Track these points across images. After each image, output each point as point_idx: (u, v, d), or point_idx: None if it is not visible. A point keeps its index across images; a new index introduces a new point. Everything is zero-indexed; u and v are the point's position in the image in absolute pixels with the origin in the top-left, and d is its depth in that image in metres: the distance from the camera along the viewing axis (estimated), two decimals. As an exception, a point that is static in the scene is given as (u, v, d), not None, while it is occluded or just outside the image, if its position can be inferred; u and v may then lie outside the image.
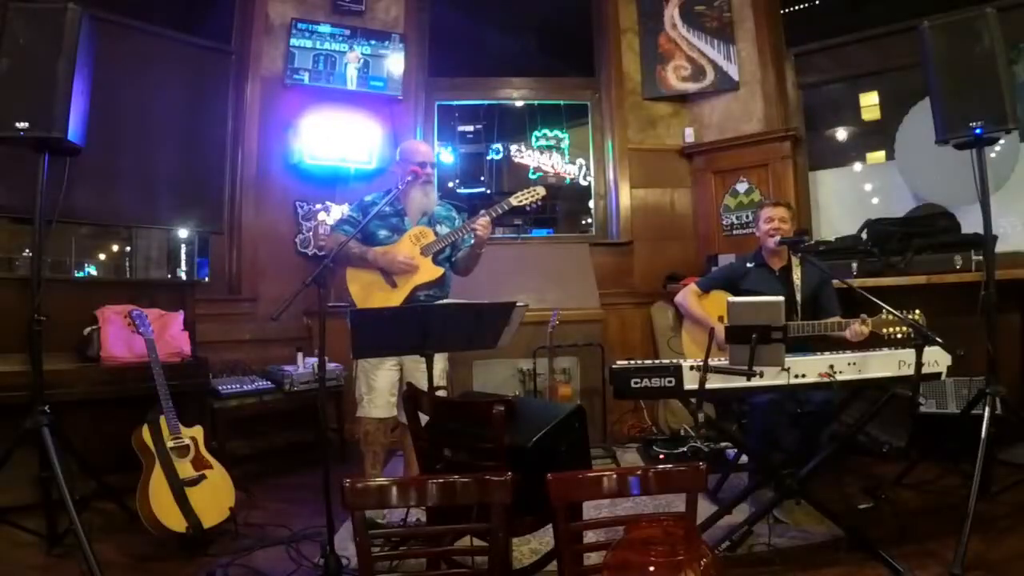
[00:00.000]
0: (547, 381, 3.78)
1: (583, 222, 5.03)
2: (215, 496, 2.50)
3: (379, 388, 2.64)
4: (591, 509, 1.91)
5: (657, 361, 2.27)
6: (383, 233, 2.71)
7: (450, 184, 5.01)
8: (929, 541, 2.29)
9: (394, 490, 1.21)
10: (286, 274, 4.23)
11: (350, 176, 4.46)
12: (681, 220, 4.79)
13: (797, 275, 2.81)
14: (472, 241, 2.70)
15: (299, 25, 4.32)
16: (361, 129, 4.40)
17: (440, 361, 2.73)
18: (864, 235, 3.72)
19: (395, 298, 2.61)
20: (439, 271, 2.70)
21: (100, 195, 3.61)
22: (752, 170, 4.52)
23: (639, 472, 1.24)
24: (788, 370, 2.11)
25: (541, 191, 2.72)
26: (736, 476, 2.99)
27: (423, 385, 2.20)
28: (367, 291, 2.64)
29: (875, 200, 4.41)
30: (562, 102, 4.95)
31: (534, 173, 4.83)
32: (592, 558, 1.41)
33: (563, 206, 5.12)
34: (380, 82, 4.45)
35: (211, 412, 3.24)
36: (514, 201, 2.68)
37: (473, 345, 2.36)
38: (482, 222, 2.61)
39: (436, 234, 2.73)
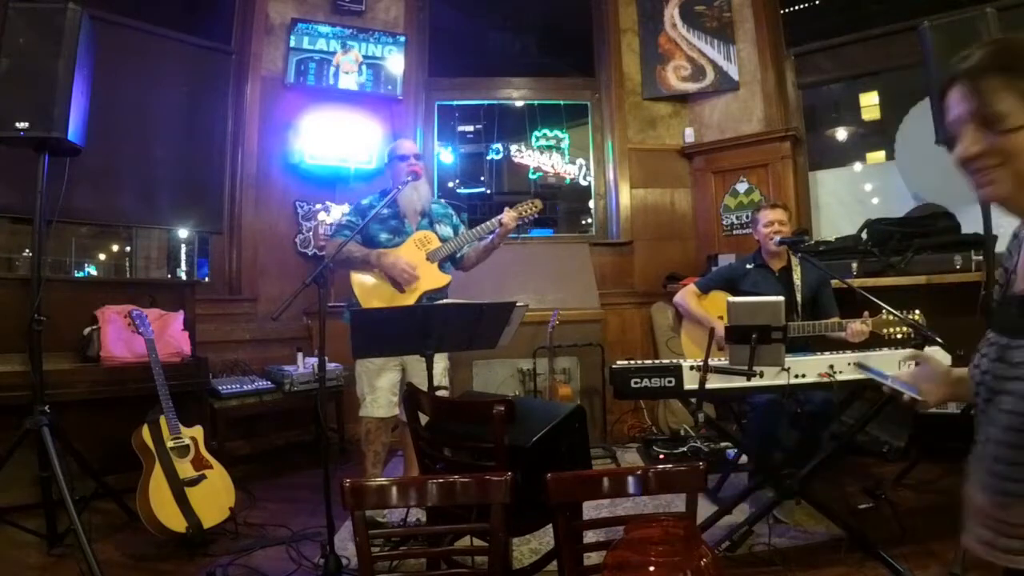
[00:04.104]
0: (547, 381, 3.78)
1: (583, 222, 5.03)
2: (215, 496, 2.50)
3: (381, 388, 2.64)
4: (591, 509, 1.91)
5: (657, 361, 2.27)
6: (384, 236, 2.70)
7: (450, 184, 5.01)
8: (929, 541, 2.29)
9: (394, 490, 1.21)
10: (286, 274, 4.24)
11: (350, 176, 4.46)
12: (681, 220, 4.79)
13: (797, 275, 2.81)
14: (477, 242, 2.71)
15: (299, 25, 4.32)
16: (361, 129, 4.40)
17: (441, 360, 2.74)
18: (864, 235, 3.72)
19: (402, 304, 2.61)
20: (446, 279, 2.71)
21: (100, 195, 3.62)
22: (752, 170, 4.52)
23: (639, 472, 1.24)
24: (788, 370, 2.11)
25: (539, 204, 2.76)
26: (736, 476, 2.99)
27: (426, 385, 2.20)
28: (373, 296, 2.63)
29: (875, 200, 4.41)
30: (562, 102, 4.94)
31: (534, 173, 4.83)
32: (592, 558, 1.40)
33: (563, 206, 5.12)
34: (380, 82, 4.45)
35: (211, 412, 3.24)
36: (514, 211, 2.71)
37: (473, 345, 2.36)
38: (513, 215, 2.68)
39: (438, 235, 2.73)
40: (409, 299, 2.62)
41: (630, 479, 1.24)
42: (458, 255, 2.81)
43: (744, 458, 2.98)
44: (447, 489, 1.22)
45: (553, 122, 4.89)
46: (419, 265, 2.65)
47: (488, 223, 2.72)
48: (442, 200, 3.02)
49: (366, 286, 2.65)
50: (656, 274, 4.60)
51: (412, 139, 4.48)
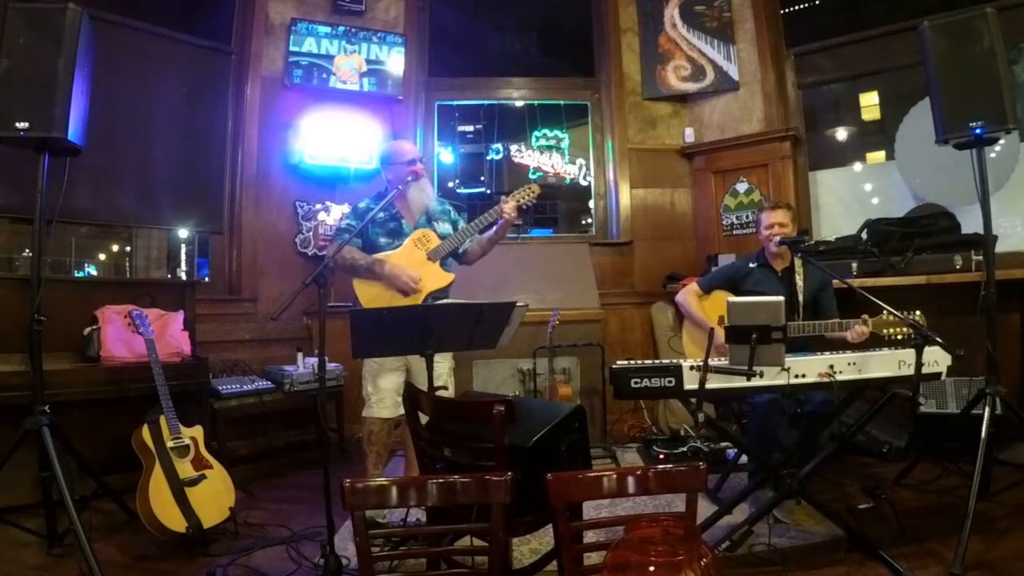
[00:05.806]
0: (547, 381, 3.78)
1: (583, 222, 5.03)
2: (215, 496, 2.50)
3: (386, 388, 2.64)
4: (591, 509, 1.91)
5: (657, 361, 2.27)
6: (383, 240, 2.69)
7: (450, 184, 5.01)
8: (929, 541, 2.29)
9: (394, 490, 1.21)
10: (286, 274, 4.24)
11: (350, 176, 4.46)
12: (681, 220, 4.79)
13: (800, 276, 2.80)
14: (478, 236, 2.72)
15: (299, 25, 4.32)
16: (361, 129, 4.40)
17: (447, 360, 2.74)
18: (864, 235, 3.72)
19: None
20: (449, 277, 2.70)
21: (100, 195, 3.62)
22: (752, 170, 4.52)
23: (639, 472, 1.24)
24: (788, 370, 2.11)
25: (536, 189, 2.72)
26: (736, 476, 2.99)
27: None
28: (379, 301, 2.60)
29: (875, 200, 4.41)
30: (562, 102, 4.94)
31: (534, 173, 4.83)
32: (592, 558, 1.41)
33: (563, 206, 5.12)
34: (380, 82, 4.45)
35: (211, 412, 3.24)
36: (512, 200, 2.69)
37: (473, 345, 2.35)
38: (512, 205, 2.65)
39: (437, 233, 2.71)
40: (414, 301, 2.60)
41: (630, 479, 1.24)
42: (460, 250, 2.79)
43: (744, 458, 2.98)
44: (447, 489, 1.22)
45: (553, 122, 4.89)
46: (420, 267, 2.64)
47: (487, 214, 2.69)
48: (441, 199, 3.00)
49: (369, 293, 2.64)
50: (656, 274, 4.60)
51: (411, 139, 4.48)
